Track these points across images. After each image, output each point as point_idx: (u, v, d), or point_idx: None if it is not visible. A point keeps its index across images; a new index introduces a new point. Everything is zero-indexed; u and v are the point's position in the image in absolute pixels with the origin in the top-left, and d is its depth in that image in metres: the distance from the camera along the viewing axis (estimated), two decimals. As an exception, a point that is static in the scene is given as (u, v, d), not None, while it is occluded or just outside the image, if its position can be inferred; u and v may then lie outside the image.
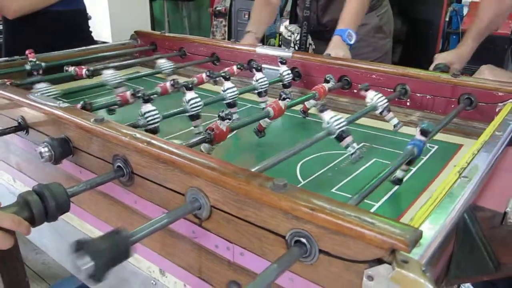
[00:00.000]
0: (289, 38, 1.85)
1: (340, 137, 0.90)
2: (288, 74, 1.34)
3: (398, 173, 0.84)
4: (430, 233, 0.54)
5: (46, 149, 0.82)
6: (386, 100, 1.07)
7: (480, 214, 0.67)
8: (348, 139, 0.90)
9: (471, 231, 0.67)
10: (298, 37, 1.79)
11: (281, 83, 1.34)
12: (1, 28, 1.98)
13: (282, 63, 1.33)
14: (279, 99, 1.03)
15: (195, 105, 1.02)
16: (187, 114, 1.03)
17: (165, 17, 5.18)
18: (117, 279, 0.89)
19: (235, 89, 1.14)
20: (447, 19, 3.16)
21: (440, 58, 1.50)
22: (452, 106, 1.15)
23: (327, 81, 1.27)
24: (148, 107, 0.96)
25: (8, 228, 0.60)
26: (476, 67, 1.38)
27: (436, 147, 1.07)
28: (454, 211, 0.60)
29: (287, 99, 1.05)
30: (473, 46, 1.49)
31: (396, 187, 0.86)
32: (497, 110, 1.06)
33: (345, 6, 1.59)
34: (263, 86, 1.25)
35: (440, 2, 3.15)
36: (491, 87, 1.09)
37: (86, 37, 1.95)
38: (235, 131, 0.99)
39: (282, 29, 1.98)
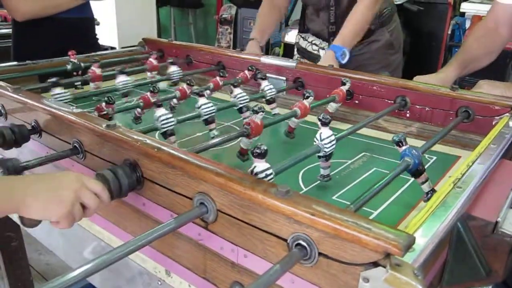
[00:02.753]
0: (316, 52, 1.83)
1: (324, 157, 0.92)
2: (270, 89, 1.31)
3: (423, 188, 0.86)
4: (424, 240, 0.57)
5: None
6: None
7: (473, 223, 0.70)
8: (328, 164, 0.93)
9: (464, 239, 0.70)
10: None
11: (263, 98, 1.32)
12: (10, 32, 2.02)
13: (262, 78, 1.32)
14: (303, 99, 1.11)
15: (207, 110, 1.08)
16: (201, 118, 1.09)
17: (171, 24, 5.24)
18: (124, 279, 0.92)
19: (245, 94, 1.19)
20: (449, 32, 3.20)
21: (420, 81, 1.41)
22: (450, 118, 1.18)
23: (344, 84, 1.30)
24: (162, 111, 1.01)
25: (97, 193, 0.71)
26: (477, 80, 1.41)
27: (434, 158, 1.10)
28: (447, 220, 0.64)
29: (310, 97, 1.12)
30: (458, 73, 1.45)
31: (396, 195, 0.90)
32: (494, 123, 1.10)
33: (346, 20, 1.60)
34: (242, 102, 1.22)
35: (443, 15, 3.20)
36: (488, 100, 1.13)
37: (93, 44, 2.00)
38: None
39: (292, 38, 1.97)
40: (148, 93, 1.16)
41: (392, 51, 1.85)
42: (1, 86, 1.11)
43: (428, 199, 0.85)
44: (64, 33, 1.82)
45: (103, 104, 1.10)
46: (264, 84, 1.30)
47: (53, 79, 1.20)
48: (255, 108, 0.93)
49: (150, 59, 1.60)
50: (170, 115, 1.02)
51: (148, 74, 1.59)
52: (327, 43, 1.80)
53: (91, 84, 1.42)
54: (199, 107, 1.09)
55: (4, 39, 2.40)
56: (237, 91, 1.20)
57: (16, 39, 1.89)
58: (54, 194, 0.67)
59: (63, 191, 0.68)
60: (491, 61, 1.51)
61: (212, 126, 1.12)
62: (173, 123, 1.02)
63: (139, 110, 1.16)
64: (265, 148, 0.72)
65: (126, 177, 0.75)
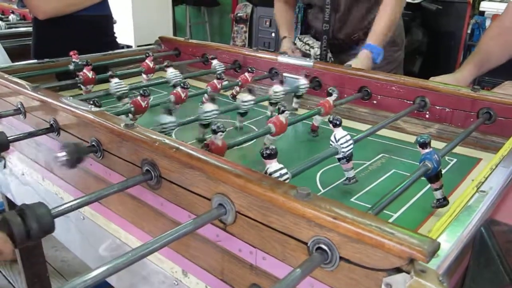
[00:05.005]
0: (308, 51, 1.87)
1: (344, 158, 0.89)
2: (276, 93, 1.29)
3: (436, 195, 0.84)
4: (447, 245, 0.56)
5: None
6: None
7: (497, 228, 0.68)
8: (350, 165, 0.90)
9: (488, 244, 0.68)
10: (318, 52, 1.81)
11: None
12: (29, 30, 2.04)
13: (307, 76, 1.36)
14: (327, 96, 1.11)
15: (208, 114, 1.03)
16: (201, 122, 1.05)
17: (186, 22, 5.25)
18: (139, 277, 0.92)
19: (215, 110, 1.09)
20: (469, 31, 3.15)
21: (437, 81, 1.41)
22: (471, 119, 1.16)
23: (330, 94, 1.20)
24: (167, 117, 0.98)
25: None
26: (497, 80, 1.38)
27: (454, 160, 1.08)
28: (471, 225, 0.62)
29: (334, 94, 1.12)
30: (474, 73, 1.44)
31: (416, 197, 0.88)
32: (516, 125, 1.08)
33: (377, 20, 1.61)
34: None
35: (462, 14, 3.15)
36: (510, 102, 1.10)
37: (111, 42, 2.01)
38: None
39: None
40: (139, 97, 1.10)
41: (395, 48, 1.87)
42: (20, 84, 1.11)
43: (437, 207, 0.84)
44: (83, 31, 1.83)
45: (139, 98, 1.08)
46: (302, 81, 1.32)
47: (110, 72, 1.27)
48: (281, 107, 0.93)
49: (146, 61, 1.52)
50: (174, 119, 0.98)
51: (144, 76, 1.52)
52: (319, 42, 1.82)
53: (83, 88, 1.38)
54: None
55: (23, 38, 2.43)
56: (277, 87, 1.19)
57: (36, 37, 1.90)
58: None
59: None
60: (508, 59, 1.49)
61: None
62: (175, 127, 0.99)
63: (130, 116, 1.10)
64: (274, 147, 0.72)
65: (35, 221, 0.60)
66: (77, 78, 1.38)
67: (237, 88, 1.43)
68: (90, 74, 1.38)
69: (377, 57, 1.56)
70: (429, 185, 0.85)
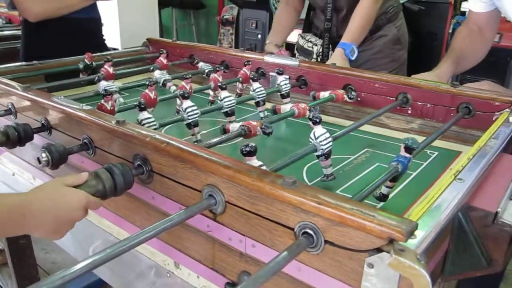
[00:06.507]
0: (310, 48, 1.89)
1: (323, 156, 0.91)
2: (286, 84, 1.37)
3: (383, 189, 0.86)
4: (425, 228, 0.59)
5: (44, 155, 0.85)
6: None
7: (474, 214, 0.72)
8: (329, 162, 0.93)
9: (465, 229, 0.72)
10: (321, 49, 1.84)
11: (279, 93, 1.37)
12: (15, 34, 2.04)
13: (279, 73, 1.39)
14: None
15: (192, 113, 1.06)
16: (184, 122, 1.07)
17: (173, 25, 5.26)
18: (133, 272, 0.94)
19: (232, 98, 1.17)
20: (450, 31, 3.21)
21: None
22: (452, 114, 1.20)
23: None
24: (188, 103, 1.06)
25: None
26: (478, 78, 1.43)
27: (436, 153, 1.12)
28: (448, 209, 0.66)
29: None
30: (453, 69, 1.50)
31: (400, 187, 0.92)
32: (494, 118, 1.12)
33: (351, 19, 1.64)
34: (260, 96, 1.28)
35: (444, 14, 3.20)
36: (488, 96, 1.15)
37: (100, 44, 2.02)
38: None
39: (293, 38, 2.02)
40: (147, 90, 1.15)
41: (399, 47, 1.89)
42: (11, 85, 1.13)
43: (379, 199, 0.87)
44: (73, 34, 1.84)
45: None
46: (280, 79, 1.36)
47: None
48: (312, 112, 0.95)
49: (160, 58, 1.59)
50: (196, 107, 1.06)
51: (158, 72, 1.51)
52: (321, 40, 1.86)
53: (104, 82, 1.39)
54: (222, 99, 1.15)
55: (9, 41, 2.43)
56: (256, 85, 1.23)
57: (26, 40, 1.91)
58: (57, 225, 0.73)
59: (65, 225, 0.73)
60: (480, 59, 1.57)
61: (232, 118, 1.17)
62: (197, 114, 1.06)
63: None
64: (253, 145, 0.75)
65: (121, 176, 0.74)
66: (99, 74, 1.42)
67: (240, 85, 1.46)
68: (111, 70, 1.43)
69: (350, 53, 1.59)
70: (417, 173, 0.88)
